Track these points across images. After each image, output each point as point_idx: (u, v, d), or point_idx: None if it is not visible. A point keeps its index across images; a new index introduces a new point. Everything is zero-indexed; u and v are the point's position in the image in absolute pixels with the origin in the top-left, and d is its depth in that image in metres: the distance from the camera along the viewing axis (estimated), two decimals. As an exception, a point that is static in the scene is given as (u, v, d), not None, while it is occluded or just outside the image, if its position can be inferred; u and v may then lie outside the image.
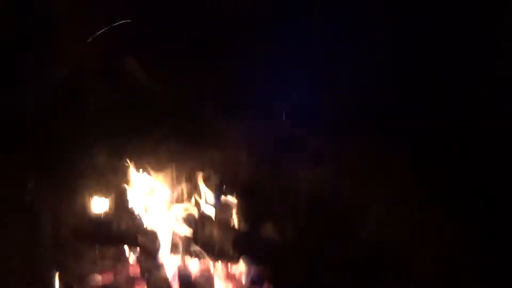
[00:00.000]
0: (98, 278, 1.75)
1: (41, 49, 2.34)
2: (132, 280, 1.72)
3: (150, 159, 2.18)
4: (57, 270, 1.71)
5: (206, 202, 2.04)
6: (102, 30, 2.28)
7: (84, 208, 1.92)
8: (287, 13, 2.26)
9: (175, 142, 2.30)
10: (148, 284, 1.64)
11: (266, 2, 2.28)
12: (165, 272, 1.66)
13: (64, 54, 2.34)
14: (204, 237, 1.65)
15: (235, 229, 1.73)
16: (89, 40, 2.18)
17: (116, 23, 2.28)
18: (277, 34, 2.24)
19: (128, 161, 2.06)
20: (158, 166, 2.14)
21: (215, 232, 1.62)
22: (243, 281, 1.70)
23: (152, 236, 1.67)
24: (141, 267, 1.71)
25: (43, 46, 2.35)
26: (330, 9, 2.18)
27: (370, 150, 2.01)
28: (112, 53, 2.62)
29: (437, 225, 1.73)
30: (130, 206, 1.92)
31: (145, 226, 1.75)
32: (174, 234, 1.73)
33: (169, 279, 1.66)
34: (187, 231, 1.75)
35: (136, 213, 1.84)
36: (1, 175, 1.79)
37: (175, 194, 2.01)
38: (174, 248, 1.72)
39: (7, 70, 2.23)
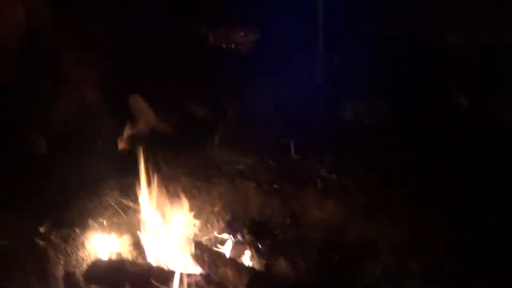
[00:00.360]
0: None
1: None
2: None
3: (160, 197, 2.20)
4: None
5: (218, 240, 2.05)
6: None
7: (95, 251, 1.93)
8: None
9: (187, 180, 2.34)
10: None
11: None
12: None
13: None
14: (217, 277, 1.63)
15: (248, 267, 1.71)
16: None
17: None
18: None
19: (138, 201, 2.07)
20: (169, 205, 2.16)
21: (229, 272, 1.60)
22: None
23: (165, 277, 1.65)
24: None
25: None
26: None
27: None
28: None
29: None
30: (141, 247, 1.93)
31: (157, 268, 1.74)
32: (187, 274, 1.71)
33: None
34: (200, 271, 1.74)
35: (148, 254, 1.84)
36: (15, 220, 1.80)
37: (187, 233, 2.01)
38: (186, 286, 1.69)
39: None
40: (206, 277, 1.68)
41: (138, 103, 2.67)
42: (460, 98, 2.34)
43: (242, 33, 3.06)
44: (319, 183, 2.23)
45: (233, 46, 3.02)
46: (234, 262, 1.67)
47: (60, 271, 1.76)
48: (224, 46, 3.03)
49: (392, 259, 1.78)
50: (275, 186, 2.31)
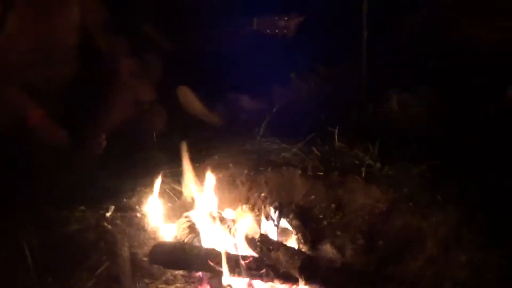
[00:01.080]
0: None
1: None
2: (203, 300, 1.84)
3: (210, 184, 2.34)
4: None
5: (268, 224, 2.17)
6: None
7: (155, 234, 2.10)
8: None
9: (235, 168, 2.46)
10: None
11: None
12: (233, 293, 1.77)
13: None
14: (270, 260, 1.75)
15: (299, 251, 1.81)
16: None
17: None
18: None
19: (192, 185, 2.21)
20: (218, 191, 2.30)
21: (280, 255, 1.71)
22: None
23: (221, 260, 1.78)
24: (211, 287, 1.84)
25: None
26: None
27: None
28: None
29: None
30: (196, 230, 2.07)
31: (213, 250, 1.88)
32: (241, 256, 1.84)
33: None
34: (253, 253, 1.86)
35: (202, 237, 1.98)
36: (85, 206, 1.98)
37: (238, 217, 2.13)
38: (240, 270, 1.82)
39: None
40: (259, 260, 1.79)
41: (186, 95, 2.80)
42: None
43: (286, 17, 3.04)
44: (364, 171, 2.28)
45: (277, 31, 3.02)
46: (285, 247, 1.77)
47: (126, 253, 1.92)
48: (269, 31, 3.03)
49: (437, 248, 1.83)
50: (320, 173, 2.40)
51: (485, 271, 1.65)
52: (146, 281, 1.92)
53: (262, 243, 1.82)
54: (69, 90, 2.65)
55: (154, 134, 2.56)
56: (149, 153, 2.52)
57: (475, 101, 2.45)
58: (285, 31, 3.01)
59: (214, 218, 2.10)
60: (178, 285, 1.94)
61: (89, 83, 2.66)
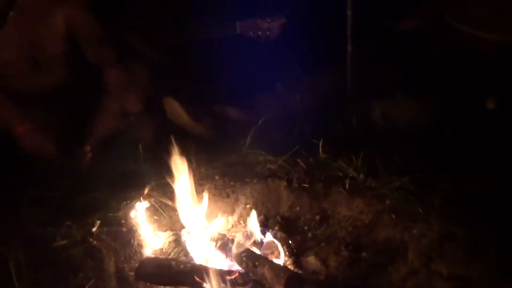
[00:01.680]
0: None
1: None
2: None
3: (196, 196, 2.36)
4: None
5: (253, 238, 2.19)
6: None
7: (141, 248, 2.10)
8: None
9: (221, 179, 2.48)
10: (205, 318, 1.77)
11: None
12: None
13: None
14: (255, 276, 1.77)
15: (285, 267, 1.84)
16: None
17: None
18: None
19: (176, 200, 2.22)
20: (204, 203, 2.31)
21: (266, 271, 1.73)
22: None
23: (207, 275, 1.80)
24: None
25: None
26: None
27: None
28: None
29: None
30: (182, 244, 2.09)
31: (200, 266, 1.89)
32: (227, 272, 1.86)
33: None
34: (239, 268, 1.88)
35: (191, 252, 2.00)
36: (70, 221, 1.98)
37: (223, 231, 2.15)
38: (226, 285, 1.84)
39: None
40: (244, 276, 1.81)
41: (173, 106, 2.81)
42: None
43: (268, 20, 3.01)
44: (347, 183, 2.32)
45: (260, 33, 2.99)
46: (271, 263, 1.79)
47: (112, 268, 1.93)
48: (252, 34, 3.00)
49: (419, 260, 1.88)
50: (305, 185, 2.43)
51: (465, 284, 1.69)
52: (133, 296, 1.94)
53: (247, 258, 1.84)
54: (55, 101, 2.64)
55: (141, 146, 2.55)
56: (135, 165, 2.52)
57: (459, 113, 2.51)
58: (268, 33, 2.99)
59: (200, 232, 2.13)
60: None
61: (75, 94, 2.65)
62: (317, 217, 2.38)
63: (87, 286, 1.78)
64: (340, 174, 2.38)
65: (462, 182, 2.03)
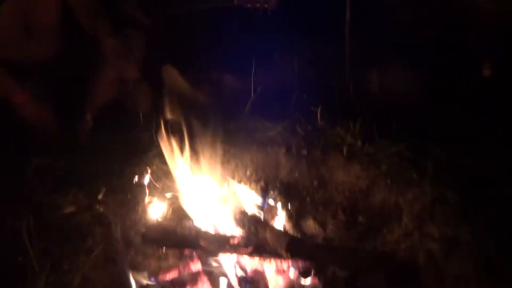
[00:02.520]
0: (165, 274, 2.00)
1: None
2: (195, 276, 1.95)
3: (197, 163, 2.41)
4: (129, 268, 1.94)
5: (254, 203, 2.27)
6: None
7: (146, 214, 2.18)
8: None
9: (221, 146, 2.53)
10: (209, 280, 1.87)
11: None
12: (223, 269, 1.89)
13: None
14: (257, 240, 1.85)
15: (286, 232, 1.92)
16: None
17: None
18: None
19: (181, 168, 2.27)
20: (205, 170, 2.37)
21: (268, 235, 1.81)
22: (292, 275, 1.91)
23: (211, 239, 1.89)
24: (202, 264, 1.94)
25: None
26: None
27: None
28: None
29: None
30: (185, 210, 2.16)
31: (203, 231, 1.97)
32: (228, 235, 1.94)
33: (227, 274, 1.89)
34: (240, 232, 1.97)
35: (195, 217, 2.08)
36: (77, 189, 2.04)
37: (227, 196, 2.22)
38: (229, 247, 1.92)
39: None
40: (246, 239, 1.90)
41: (171, 74, 2.81)
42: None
43: None
44: (345, 149, 2.38)
45: (258, 4, 2.97)
46: (271, 227, 1.87)
47: (119, 233, 2.01)
48: (250, 5, 2.98)
49: (413, 223, 1.97)
50: (304, 151, 2.50)
51: (455, 245, 1.78)
52: (139, 259, 2.03)
53: (249, 222, 1.92)
54: (53, 70, 2.63)
55: (140, 114, 2.58)
56: (136, 133, 2.55)
57: (455, 81, 2.54)
58: (265, 5, 2.97)
59: (201, 197, 2.19)
60: (170, 262, 2.05)
61: (73, 63, 2.64)
62: (315, 182, 2.46)
63: (96, 251, 1.85)
64: (338, 140, 2.45)
65: (456, 149, 2.10)
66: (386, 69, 2.72)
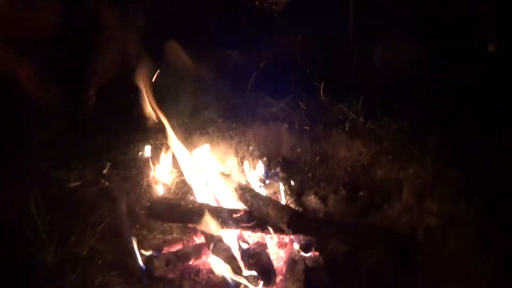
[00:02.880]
0: (170, 246, 2.05)
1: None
2: (199, 249, 2.00)
3: (200, 138, 2.44)
4: (135, 240, 1.98)
5: (256, 179, 2.31)
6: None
7: (150, 189, 2.22)
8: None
9: (223, 122, 2.55)
10: (213, 252, 1.91)
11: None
12: (226, 242, 1.93)
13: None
14: (259, 214, 1.89)
15: (287, 206, 1.96)
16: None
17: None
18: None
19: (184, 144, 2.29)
20: (208, 145, 2.40)
21: (270, 210, 1.85)
22: (293, 248, 1.96)
23: (215, 214, 1.92)
24: (205, 237, 1.99)
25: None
26: None
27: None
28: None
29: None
30: (192, 185, 2.19)
31: (207, 205, 2.01)
32: (233, 210, 1.98)
33: (230, 248, 1.93)
34: (243, 207, 2.00)
35: (199, 191, 2.11)
36: (82, 164, 2.07)
37: (230, 171, 2.25)
38: (232, 222, 1.96)
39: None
40: (249, 214, 1.93)
41: (174, 49, 2.80)
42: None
43: None
44: (347, 125, 2.39)
45: (265, 5, 2.96)
46: (274, 202, 1.91)
47: (124, 207, 2.05)
48: (257, 3, 2.96)
49: (413, 198, 2.00)
50: (306, 127, 2.51)
51: (454, 220, 1.82)
52: (144, 232, 2.08)
53: (252, 197, 1.95)
54: (56, 45, 2.63)
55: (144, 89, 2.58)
56: (140, 108, 2.56)
57: (459, 56, 2.52)
58: (273, 7, 2.95)
59: (204, 172, 2.23)
60: (174, 235, 2.10)
61: (75, 38, 2.63)
62: (317, 158, 2.49)
63: (102, 224, 1.90)
64: (340, 116, 2.45)
65: (457, 126, 2.10)
66: (389, 44, 2.69)
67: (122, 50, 2.78)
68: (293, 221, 1.72)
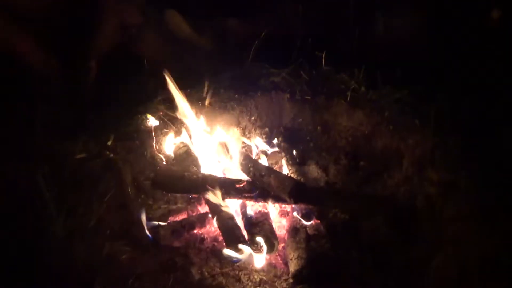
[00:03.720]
0: (175, 216, 2.11)
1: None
2: (203, 218, 2.06)
3: (202, 109, 2.45)
4: (141, 209, 2.01)
5: (259, 149, 2.33)
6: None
7: (154, 160, 2.25)
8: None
9: (225, 93, 2.55)
10: (217, 221, 1.97)
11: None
12: (230, 211, 1.98)
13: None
14: (262, 185, 1.93)
15: (289, 177, 1.99)
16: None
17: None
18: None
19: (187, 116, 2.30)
20: (210, 116, 2.42)
21: (272, 181, 1.88)
22: (294, 217, 2.01)
23: (217, 184, 1.96)
24: (209, 207, 2.04)
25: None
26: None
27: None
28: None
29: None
30: (196, 156, 2.22)
31: (210, 176, 2.05)
32: (235, 180, 2.02)
33: (234, 216, 1.98)
34: (245, 177, 2.04)
35: (201, 163, 2.15)
36: (86, 136, 2.10)
37: (233, 142, 2.26)
38: (235, 192, 2.00)
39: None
40: (251, 184, 1.97)
41: (175, 18, 2.77)
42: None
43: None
44: (349, 95, 2.40)
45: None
46: (276, 173, 1.94)
47: (129, 179, 2.09)
48: None
49: (413, 168, 2.03)
50: (307, 97, 2.51)
51: (453, 189, 1.85)
52: (150, 202, 2.13)
53: (254, 168, 1.98)
54: (56, 17, 2.60)
55: (145, 60, 2.58)
56: (141, 79, 2.56)
57: (460, 26, 2.49)
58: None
59: (208, 143, 2.25)
60: (179, 205, 2.15)
61: (75, 9, 2.60)
62: (319, 128, 2.51)
63: (108, 195, 1.94)
64: (342, 86, 2.45)
65: (458, 95, 2.11)
66: (391, 13, 2.65)
67: (122, 20, 2.74)
68: (294, 192, 1.76)
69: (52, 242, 1.69)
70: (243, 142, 2.39)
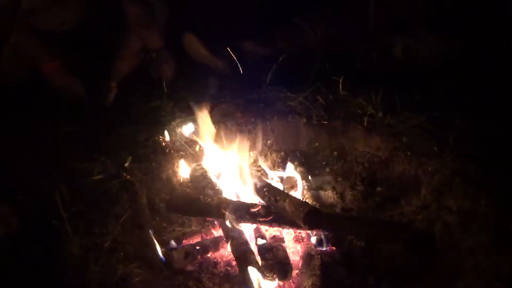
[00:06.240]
0: (188, 239, 2.10)
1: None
2: (217, 241, 2.04)
3: (218, 132, 2.46)
4: (154, 232, 2.02)
5: (274, 173, 2.33)
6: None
7: (172, 183, 2.26)
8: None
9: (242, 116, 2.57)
10: (231, 246, 1.95)
11: None
12: (244, 236, 1.96)
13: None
14: (276, 209, 1.91)
15: (304, 202, 1.97)
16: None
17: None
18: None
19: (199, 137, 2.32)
20: (226, 139, 2.43)
21: (287, 206, 1.86)
22: (309, 243, 1.98)
23: (232, 208, 1.95)
24: (223, 231, 2.03)
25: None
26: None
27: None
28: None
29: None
30: (211, 179, 2.22)
31: (225, 199, 2.04)
32: (250, 205, 2.01)
33: (248, 241, 1.96)
34: (260, 201, 2.03)
35: (217, 186, 2.15)
36: (104, 157, 2.13)
37: (248, 166, 2.27)
38: (250, 216, 1.99)
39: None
40: (266, 208, 1.96)
41: (192, 42, 2.82)
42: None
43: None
44: (366, 120, 2.39)
45: None
46: (291, 197, 1.92)
47: (144, 200, 2.10)
48: None
49: (431, 195, 1.99)
50: (324, 121, 2.51)
51: (472, 218, 1.81)
52: (164, 224, 2.13)
53: (269, 192, 1.97)
54: (79, 39, 2.68)
55: (164, 83, 2.63)
56: (159, 102, 2.60)
57: (480, 51, 2.48)
58: None
59: (224, 167, 2.26)
60: (193, 228, 2.15)
61: (98, 32, 2.68)
62: (335, 153, 2.50)
63: (124, 216, 1.95)
64: (359, 111, 2.44)
65: (478, 121, 2.08)
66: (410, 38, 2.66)
67: (143, 44, 2.82)
68: (309, 218, 1.74)
69: (68, 261, 1.70)
70: (259, 166, 2.39)
